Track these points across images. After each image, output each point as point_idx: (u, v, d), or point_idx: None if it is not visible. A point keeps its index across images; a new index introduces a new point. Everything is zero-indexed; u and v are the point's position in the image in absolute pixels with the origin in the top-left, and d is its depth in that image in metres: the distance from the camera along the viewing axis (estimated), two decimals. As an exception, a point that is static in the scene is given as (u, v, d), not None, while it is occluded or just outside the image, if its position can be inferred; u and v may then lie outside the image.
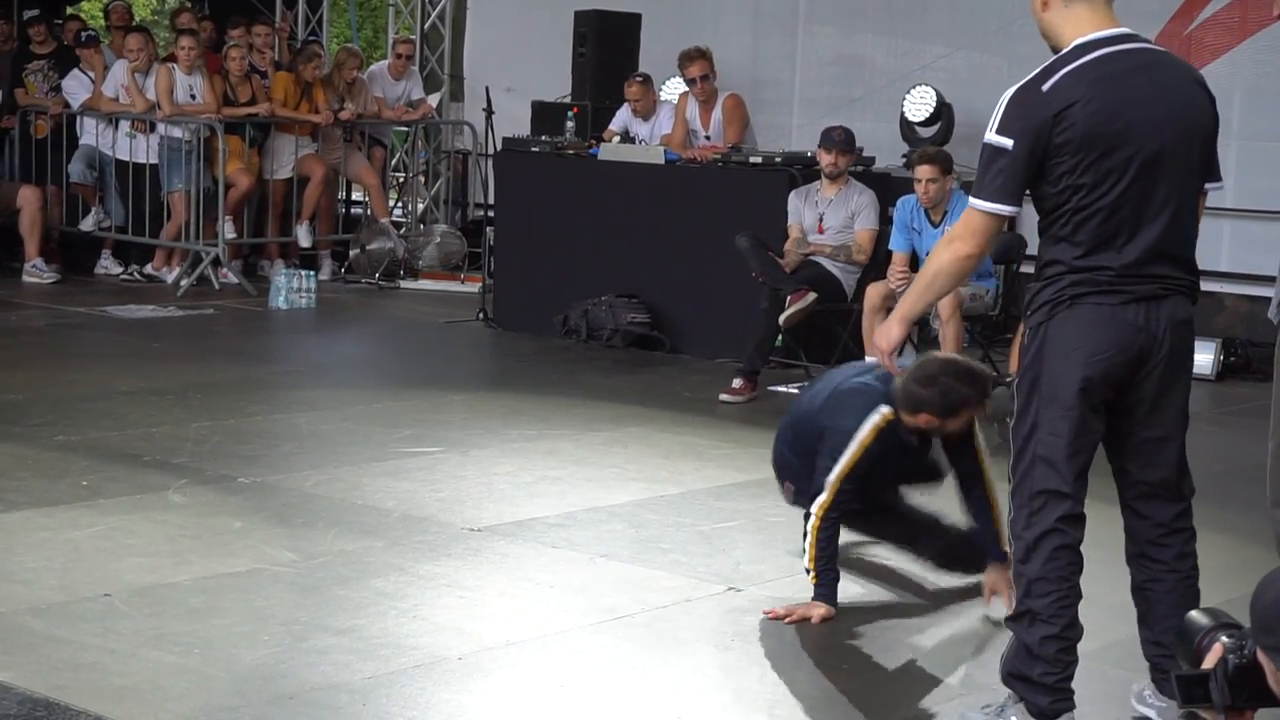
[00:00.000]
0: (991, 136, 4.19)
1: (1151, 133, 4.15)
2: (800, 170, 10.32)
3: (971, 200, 4.27)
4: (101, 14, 16.36)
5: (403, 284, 13.72)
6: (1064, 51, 4.20)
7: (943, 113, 11.84)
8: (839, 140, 9.78)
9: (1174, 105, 4.21)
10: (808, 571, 5.46)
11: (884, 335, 4.61)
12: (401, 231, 14.60)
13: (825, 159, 9.78)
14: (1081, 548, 4.35)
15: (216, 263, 13.05)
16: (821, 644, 5.26)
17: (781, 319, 9.37)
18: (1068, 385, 4.20)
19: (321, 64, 13.87)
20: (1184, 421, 4.40)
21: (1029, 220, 12.09)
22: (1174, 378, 4.30)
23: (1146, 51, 4.27)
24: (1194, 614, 2.83)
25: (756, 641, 5.25)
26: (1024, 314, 4.38)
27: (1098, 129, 4.10)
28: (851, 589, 5.71)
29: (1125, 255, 4.17)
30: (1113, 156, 4.12)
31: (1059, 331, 4.22)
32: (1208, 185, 4.35)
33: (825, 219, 9.84)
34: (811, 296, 9.41)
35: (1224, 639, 2.71)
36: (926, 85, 11.96)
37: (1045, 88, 4.12)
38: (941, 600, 5.79)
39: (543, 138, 11.96)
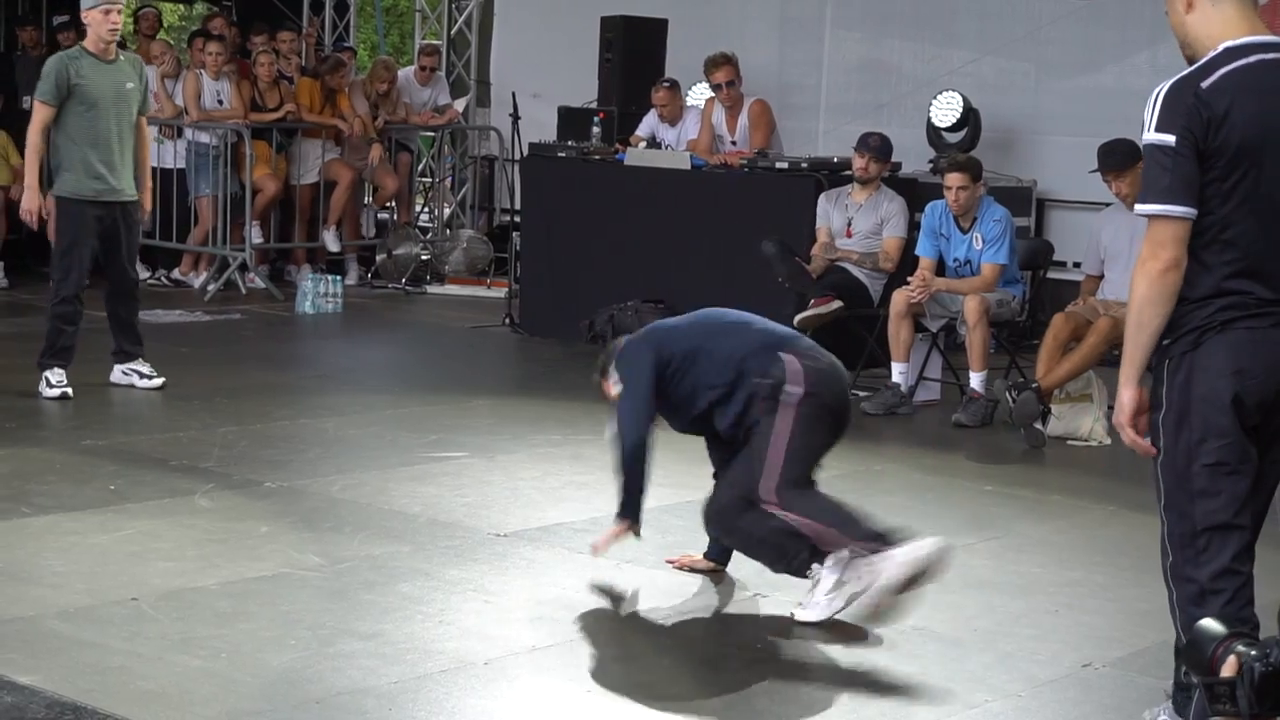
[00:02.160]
0: (1152, 135, 3.97)
1: None
2: (826, 175, 10.30)
3: (1141, 208, 4.01)
4: (131, 20, 16.40)
5: (429, 289, 13.74)
6: (1216, 54, 4.00)
7: (970, 118, 11.82)
8: (875, 146, 9.77)
9: None
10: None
11: (1118, 408, 4.17)
12: (428, 236, 14.62)
13: (858, 163, 9.77)
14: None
15: (243, 268, 13.08)
16: (850, 646, 5.24)
17: (796, 319, 9.34)
18: (1223, 412, 4.00)
19: (347, 73, 13.88)
20: None
21: (1056, 226, 12.16)
22: None
23: None
24: (1206, 622, 2.81)
25: (784, 648, 5.24)
26: (1159, 343, 4.07)
27: (1250, 141, 3.94)
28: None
29: (1274, 278, 4.01)
30: (1263, 172, 3.97)
31: (1210, 357, 4.01)
32: None
33: (854, 224, 9.83)
34: (836, 304, 9.39)
35: (1240, 648, 2.70)
36: (953, 91, 11.94)
37: (1204, 85, 3.94)
38: (974, 604, 5.78)
39: (569, 143, 11.97)
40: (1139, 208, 4.04)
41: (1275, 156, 3.98)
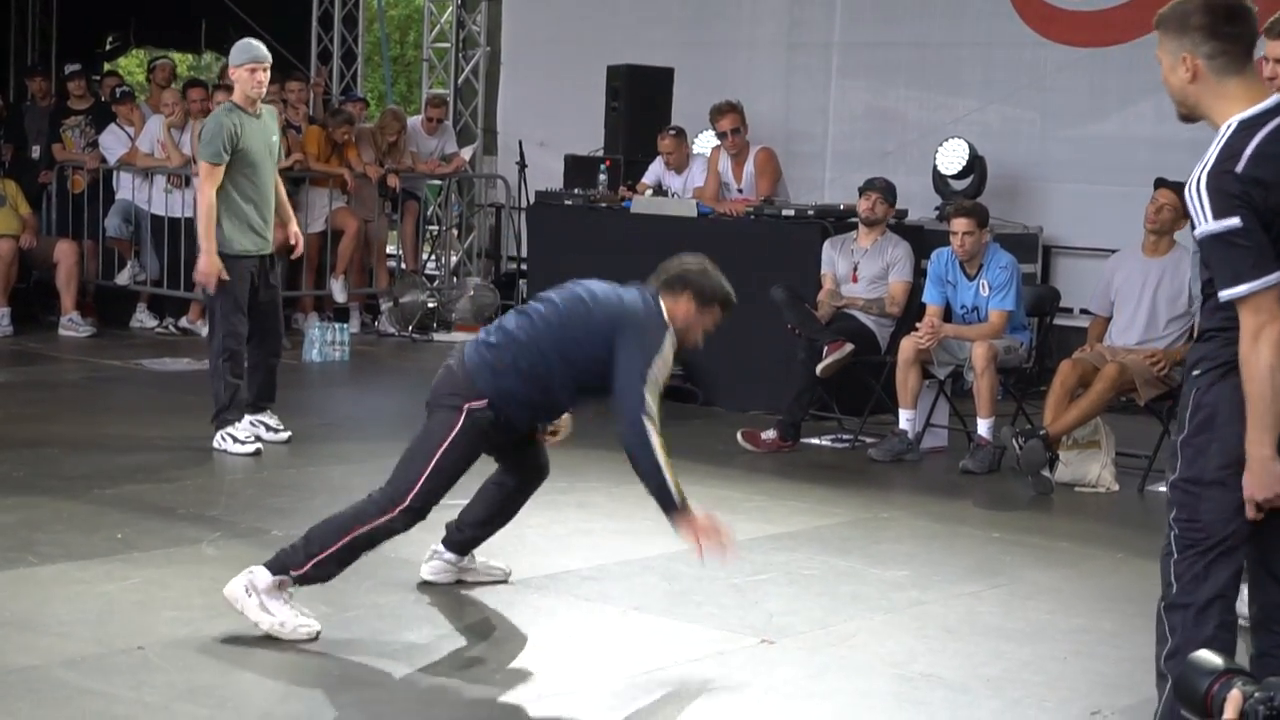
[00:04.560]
0: (1214, 225, 4.03)
1: None
2: (833, 222, 10.32)
3: (1233, 292, 4.03)
4: (143, 71, 16.52)
5: (436, 336, 13.75)
6: (1234, 131, 4.09)
7: (975, 165, 11.85)
8: (881, 187, 9.81)
9: None
10: (672, 496, 5.57)
11: (1266, 484, 4.07)
12: (435, 284, 14.65)
13: (863, 204, 9.80)
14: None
15: (251, 316, 13.08)
16: (855, 698, 5.23)
17: (819, 369, 9.37)
18: (1243, 443, 4.06)
19: (353, 129, 13.89)
20: None
21: (1063, 273, 12.16)
22: None
23: None
24: (1201, 654, 2.78)
25: (789, 695, 5.22)
26: (1187, 373, 4.21)
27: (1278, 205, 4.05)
28: (890, 644, 5.68)
29: None
30: None
31: (1235, 392, 4.08)
32: None
33: (860, 269, 9.84)
34: (849, 348, 9.41)
35: (1242, 687, 2.66)
36: (959, 138, 11.97)
37: (1240, 170, 4.03)
38: (982, 650, 5.77)
39: (575, 191, 12.00)
40: (1230, 293, 4.03)
41: None
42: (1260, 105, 4.13)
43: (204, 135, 8.85)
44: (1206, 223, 4.04)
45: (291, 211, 9.37)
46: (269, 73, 8.95)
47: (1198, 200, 4.05)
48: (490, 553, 6.41)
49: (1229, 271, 4.05)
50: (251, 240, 8.74)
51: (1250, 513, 4.11)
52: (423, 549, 6.74)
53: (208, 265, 8.60)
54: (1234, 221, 4.02)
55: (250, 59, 8.79)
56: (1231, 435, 4.10)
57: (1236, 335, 4.09)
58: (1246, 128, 4.09)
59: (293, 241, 9.29)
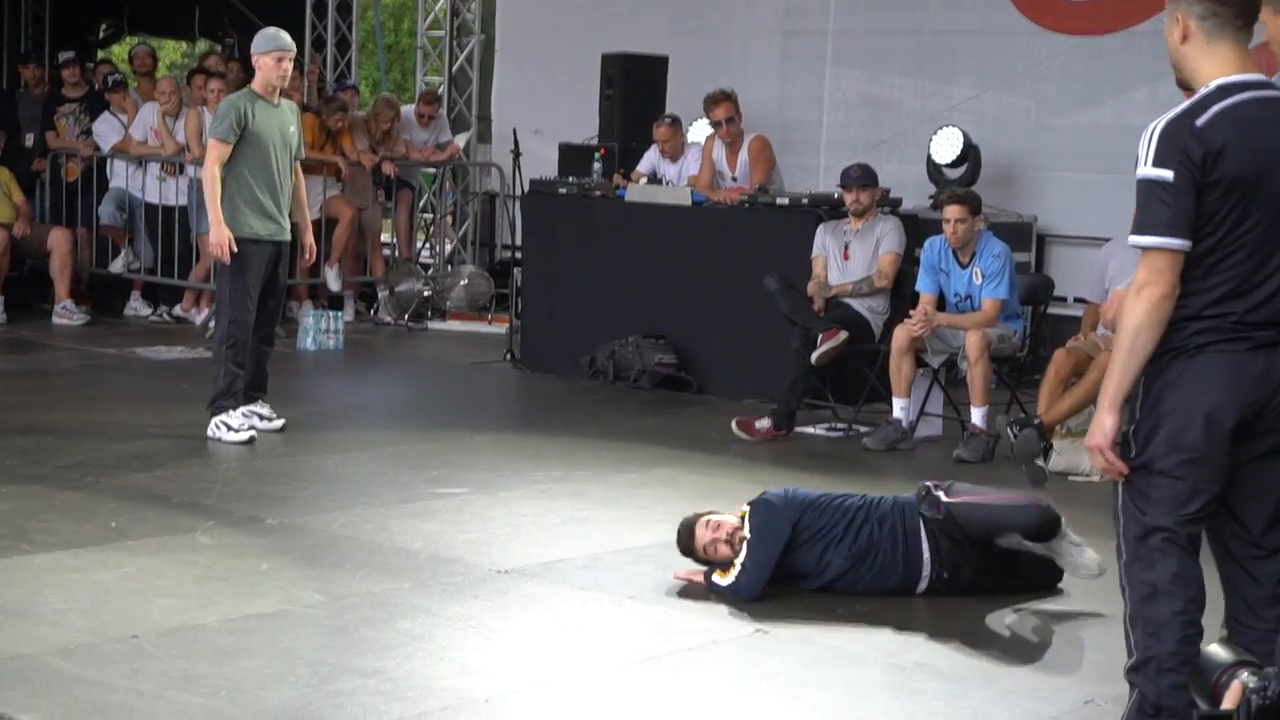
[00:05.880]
0: (1149, 171, 4.08)
1: None
2: (827, 211, 10.31)
3: (1140, 240, 4.11)
4: (126, 60, 16.50)
5: (430, 325, 13.75)
6: (1209, 91, 4.13)
7: (970, 154, 11.84)
8: (856, 177, 9.78)
9: None
10: None
11: (1098, 431, 4.19)
12: (429, 273, 14.64)
13: (848, 198, 9.80)
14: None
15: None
16: (849, 687, 5.24)
17: (813, 357, 9.37)
18: (1192, 430, 4.11)
19: (346, 117, 13.86)
20: None
21: (1056, 262, 12.16)
22: None
23: None
24: (1213, 648, 2.80)
25: (784, 683, 5.23)
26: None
27: (1242, 175, 4.05)
28: (881, 634, 5.69)
29: (1250, 301, 4.11)
30: (1251, 203, 4.08)
31: (1182, 377, 4.13)
32: None
33: (851, 248, 9.82)
34: (843, 336, 9.40)
35: (1244, 677, 2.68)
36: (953, 127, 11.97)
37: (1199, 124, 4.06)
38: (976, 640, 5.77)
39: (570, 179, 11.99)
40: (1136, 239, 4.13)
41: (1263, 190, 4.09)
42: (1245, 75, 4.15)
43: (216, 114, 9.02)
44: (1144, 166, 4.10)
45: (308, 219, 9.35)
46: (292, 64, 8.98)
47: (1147, 142, 4.10)
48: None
49: (1145, 219, 4.11)
50: (264, 225, 8.76)
51: (1097, 461, 4.20)
52: (417, 537, 6.76)
53: (218, 236, 8.63)
54: (1166, 174, 4.06)
55: (277, 47, 8.83)
56: (1177, 423, 4.12)
57: (1182, 324, 4.12)
58: (1224, 91, 4.12)
59: (306, 255, 9.27)
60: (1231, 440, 4.15)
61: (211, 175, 8.69)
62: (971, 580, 6.20)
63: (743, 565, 6.06)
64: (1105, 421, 4.18)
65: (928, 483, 6.37)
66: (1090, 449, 4.24)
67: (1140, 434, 4.19)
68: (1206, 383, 4.11)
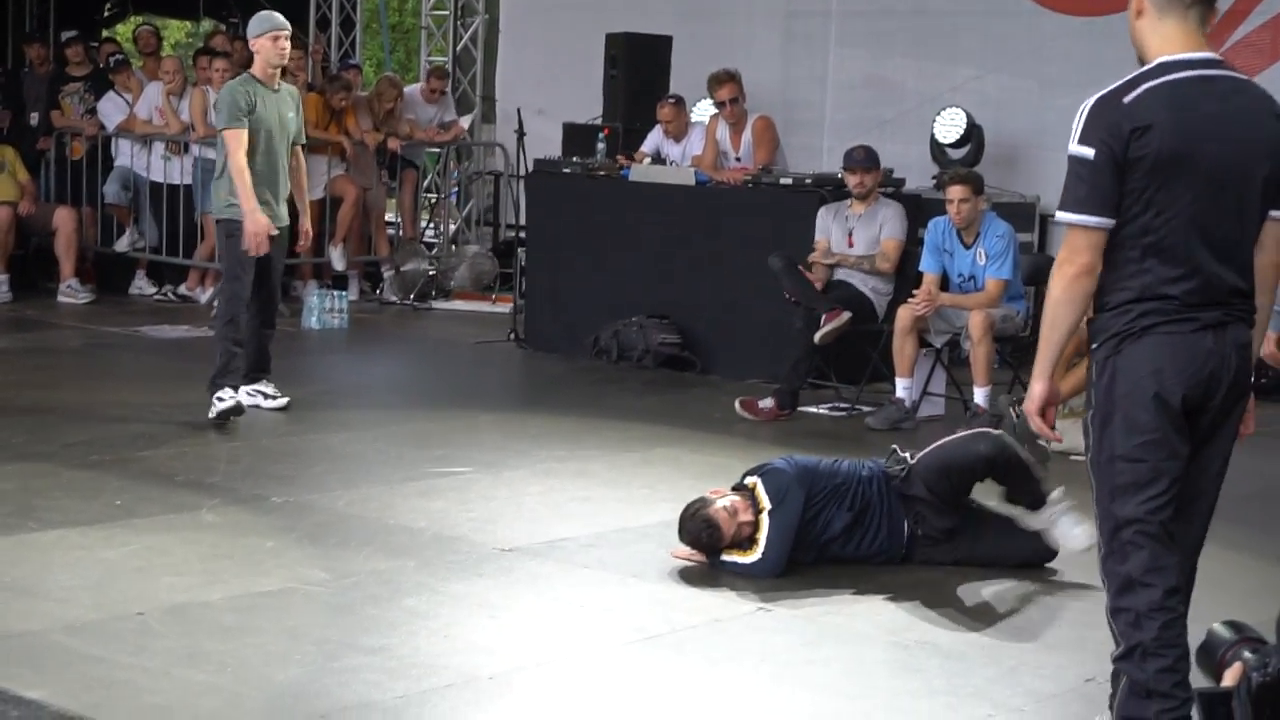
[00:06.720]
0: (1074, 148, 4.13)
1: (1220, 160, 4.08)
2: (830, 191, 10.32)
3: (1060, 215, 4.18)
4: (130, 40, 16.48)
5: (435, 304, 13.77)
6: (1148, 67, 4.15)
7: (973, 134, 11.85)
8: (860, 159, 9.78)
9: (1246, 134, 4.13)
10: None
11: (1028, 398, 4.32)
12: (434, 252, 14.65)
13: (852, 180, 9.80)
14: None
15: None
16: (851, 665, 5.26)
17: (817, 337, 9.38)
18: (1144, 409, 4.11)
19: (350, 96, 13.86)
20: (1224, 467, 4.31)
21: (1059, 242, 12.14)
22: (1234, 403, 4.21)
23: (1228, 80, 4.19)
24: (1218, 626, 2.83)
25: (786, 662, 5.25)
26: (1088, 347, 4.27)
27: (1169, 153, 4.05)
28: (887, 609, 5.72)
29: (1192, 282, 4.10)
30: (1181, 182, 4.06)
31: (1130, 359, 4.14)
32: (1272, 213, 4.22)
33: (854, 234, 9.83)
34: (846, 315, 9.42)
35: (1246, 655, 2.70)
36: (957, 107, 11.97)
37: (1127, 100, 4.08)
38: (978, 617, 5.80)
39: (574, 159, 12.00)
40: (1058, 215, 4.20)
41: (1194, 168, 4.09)
42: (1190, 53, 4.16)
43: (217, 106, 8.93)
44: (1071, 143, 4.16)
45: (307, 204, 9.32)
46: (289, 42, 8.94)
47: (1078, 119, 4.15)
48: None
49: (1068, 195, 4.19)
50: (263, 212, 8.72)
51: (1035, 425, 4.29)
52: (422, 515, 6.78)
53: (254, 225, 8.55)
54: (1088, 152, 4.11)
55: (272, 27, 8.79)
56: (1130, 405, 4.14)
57: (1126, 307, 4.15)
58: (1164, 68, 4.13)
59: (301, 240, 9.27)
60: (1189, 415, 4.15)
61: (240, 166, 8.57)
62: (948, 534, 6.34)
63: (768, 539, 6.10)
64: (1034, 390, 4.29)
65: (893, 445, 6.58)
66: (1025, 414, 4.35)
67: (1097, 421, 4.22)
68: (1154, 364, 4.11)
